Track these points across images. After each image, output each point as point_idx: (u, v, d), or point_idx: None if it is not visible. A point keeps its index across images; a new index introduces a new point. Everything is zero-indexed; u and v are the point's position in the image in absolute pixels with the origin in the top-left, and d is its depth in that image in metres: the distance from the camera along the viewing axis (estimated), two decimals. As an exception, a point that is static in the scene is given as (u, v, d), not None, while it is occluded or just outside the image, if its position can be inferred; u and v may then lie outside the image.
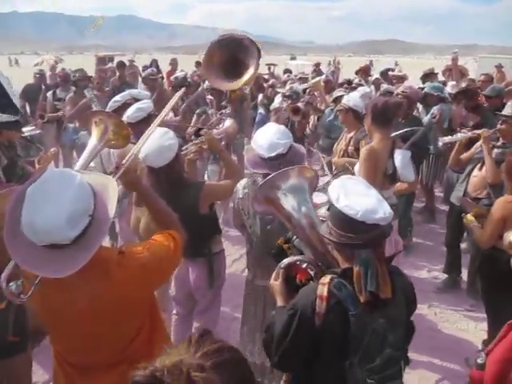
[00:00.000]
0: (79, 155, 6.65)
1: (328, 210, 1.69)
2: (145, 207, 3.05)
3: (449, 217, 4.52)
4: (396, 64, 15.90)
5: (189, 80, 6.84)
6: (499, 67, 9.94)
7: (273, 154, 2.46)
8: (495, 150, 3.88)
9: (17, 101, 3.89)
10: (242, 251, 4.44)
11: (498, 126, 3.89)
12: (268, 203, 2.00)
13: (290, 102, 5.93)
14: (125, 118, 3.46)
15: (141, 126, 3.08)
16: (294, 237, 1.99)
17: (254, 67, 4.30)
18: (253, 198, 2.05)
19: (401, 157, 3.20)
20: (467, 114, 5.04)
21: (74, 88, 6.83)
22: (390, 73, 8.56)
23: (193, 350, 1.00)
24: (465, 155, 4.17)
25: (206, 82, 5.76)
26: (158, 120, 2.16)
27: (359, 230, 1.55)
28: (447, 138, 4.15)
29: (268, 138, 2.50)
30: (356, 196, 1.59)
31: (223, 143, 3.35)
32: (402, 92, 5.19)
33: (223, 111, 5.17)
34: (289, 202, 1.91)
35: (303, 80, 9.04)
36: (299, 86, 6.81)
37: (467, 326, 3.93)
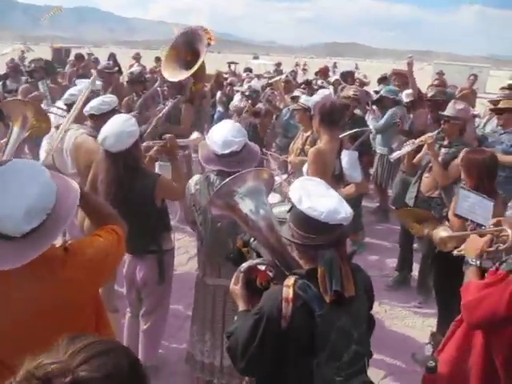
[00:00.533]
0: (30, 148, 6.44)
1: (289, 211, 1.69)
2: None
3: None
4: (356, 67, 16.23)
5: (146, 76, 6.72)
6: (440, 74, 10.41)
7: (226, 151, 2.46)
8: (442, 150, 4.03)
9: None
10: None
11: (442, 127, 4.06)
12: (225, 208, 1.98)
13: (250, 101, 5.96)
14: (88, 108, 3.40)
15: (104, 118, 3.06)
16: (252, 239, 1.98)
17: (203, 55, 4.33)
18: (209, 202, 2.03)
19: (348, 157, 3.24)
20: (432, 123, 5.17)
21: (24, 78, 6.61)
22: (356, 75, 8.73)
23: (62, 351, 0.93)
24: (416, 159, 4.33)
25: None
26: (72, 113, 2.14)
27: (322, 231, 1.56)
28: (396, 154, 4.29)
29: (223, 135, 2.50)
30: (318, 197, 1.60)
31: (186, 152, 3.37)
32: (353, 94, 5.43)
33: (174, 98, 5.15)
34: (247, 206, 1.91)
35: (260, 77, 9.13)
36: (257, 84, 6.84)
37: (415, 322, 4.05)
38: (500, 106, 4.87)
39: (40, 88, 6.08)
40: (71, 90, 3.80)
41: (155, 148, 3.03)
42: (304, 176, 2.26)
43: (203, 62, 4.96)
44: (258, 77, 9.92)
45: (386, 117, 5.67)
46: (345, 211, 1.58)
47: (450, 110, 4.02)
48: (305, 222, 1.58)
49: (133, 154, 2.68)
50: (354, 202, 4.27)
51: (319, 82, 8.05)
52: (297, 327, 1.57)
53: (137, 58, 11.37)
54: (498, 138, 4.62)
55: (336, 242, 1.59)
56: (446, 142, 4.05)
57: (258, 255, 1.92)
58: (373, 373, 3.34)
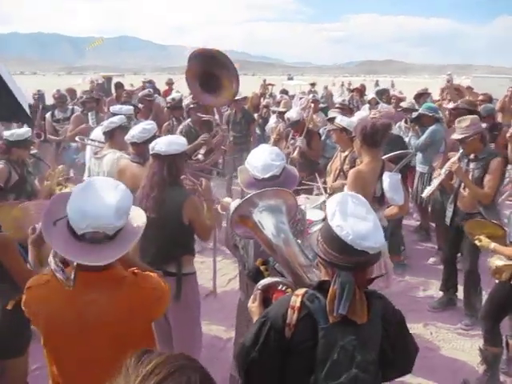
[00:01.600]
0: (76, 174, 6.74)
1: (323, 221, 1.69)
2: None
3: (446, 234, 4.51)
4: (392, 85, 16.11)
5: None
6: (470, 88, 10.09)
7: (266, 176, 2.48)
8: (471, 166, 3.97)
9: (27, 108, 3.98)
10: (237, 271, 4.44)
11: (461, 149, 4.02)
12: (244, 223, 2.01)
13: (292, 131, 5.82)
14: (129, 136, 3.54)
15: (145, 145, 3.25)
16: (274, 261, 1.99)
17: (235, 80, 4.44)
18: (230, 220, 2.08)
19: (389, 179, 3.18)
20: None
21: (70, 108, 6.94)
22: (392, 92, 8.67)
23: (133, 376, 0.95)
24: (451, 184, 4.21)
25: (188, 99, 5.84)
26: None
27: (346, 252, 1.52)
28: (427, 190, 4.25)
29: (262, 159, 2.52)
30: (352, 218, 1.55)
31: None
32: (373, 116, 5.14)
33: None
34: (265, 223, 1.93)
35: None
36: (294, 113, 6.19)
37: (463, 345, 3.90)
38: None
39: (89, 120, 6.36)
40: (112, 119, 3.99)
41: (189, 183, 3.14)
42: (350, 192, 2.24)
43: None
44: (293, 97, 10.02)
45: (425, 135, 5.55)
46: (374, 240, 1.52)
47: (458, 131, 3.97)
48: (331, 238, 1.55)
49: (178, 163, 2.89)
50: (394, 222, 4.22)
51: (354, 101, 8.05)
52: (300, 337, 1.54)
53: (169, 83, 11.69)
54: None
55: (357, 267, 1.54)
56: (471, 156, 3.99)
57: (282, 275, 1.92)
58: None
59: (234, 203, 2.72)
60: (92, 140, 4.61)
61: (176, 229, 2.84)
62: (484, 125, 4.36)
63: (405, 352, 1.71)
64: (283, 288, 1.82)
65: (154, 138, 3.51)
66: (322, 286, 1.57)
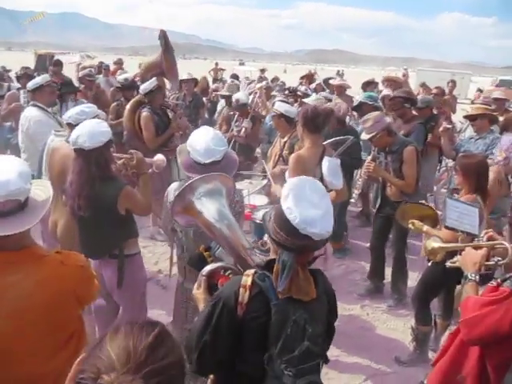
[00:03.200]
0: (13, 155, 6.37)
1: (267, 205, 1.71)
2: (61, 210, 2.96)
3: (374, 223, 4.63)
4: (339, 73, 16.34)
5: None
6: (424, 85, 10.46)
7: (208, 161, 2.45)
8: (389, 158, 4.11)
9: None
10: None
11: (372, 146, 4.19)
12: (186, 212, 2.00)
13: (237, 114, 6.01)
14: (66, 117, 3.41)
15: None
16: (216, 246, 1.99)
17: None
18: (171, 211, 2.06)
19: (328, 164, 3.21)
20: (400, 124, 5.26)
21: (6, 85, 6.57)
22: (331, 81, 8.79)
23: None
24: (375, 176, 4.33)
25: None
26: None
27: (292, 235, 1.55)
28: (356, 193, 4.49)
29: (205, 143, 2.47)
30: (304, 202, 1.57)
31: (150, 170, 3.35)
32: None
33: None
34: (207, 208, 1.92)
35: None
36: (243, 95, 6.51)
37: (396, 324, 4.09)
38: (472, 112, 4.96)
39: (21, 98, 6.03)
40: (79, 110, 3.43)
41: (121, 161, 3.00)
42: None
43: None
44: (237, 78, 10.02)
45: None
46: (321, 227, 1.55)
47: (366, 131, 4.13)
48: (280, 219, 1.59)
49: (105, 154, 2.71)
50: (339, 209, 4.31)
51: (303, 88, 8.09)
52: (253, 314, 1.57)
53: (118, 63, 11.30)
54: (474, 143, 4.69)
55: (299, 250, 1.58)
56: (387, 149, 4.12)
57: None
58: (356, 375, 3.41)
59: (171, 187, 2.67)
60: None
61: (113, 221, 2.77)
62: (388, 119, 4.49)
63: (336, 318, 1.83)
64: (227, 273, 1.83)
65: None
66: (269, 264, 1.62)
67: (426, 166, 5.54)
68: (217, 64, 13.68)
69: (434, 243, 2.99)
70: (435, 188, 6.57)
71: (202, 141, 2.49)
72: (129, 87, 6.13)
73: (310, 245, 1.58)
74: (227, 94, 6.72)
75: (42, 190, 1.74)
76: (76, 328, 1.75)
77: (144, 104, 5.09)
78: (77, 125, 3.26)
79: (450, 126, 4.83)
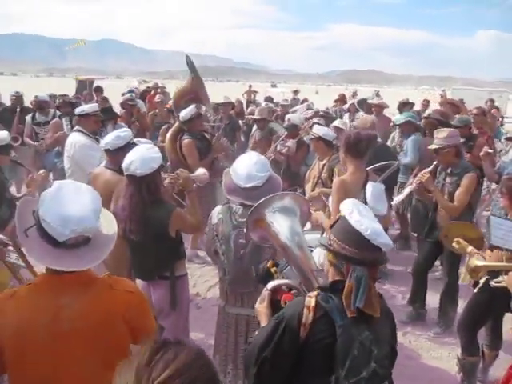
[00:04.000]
0: (56, 178, 6.62)
1: (333, 225, 1.74)
2: None
3: (421, 246, 4.53)
4: (377, 94, 16.22)
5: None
6: (461, 102, 10.32)
7: (249, 185, 2.49)
8: (448, 180, 4.01)
9: None
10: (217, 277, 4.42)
11: (436, 160, 4.05)
12: (259, 226, 2.04)
13: (287, 133, 5.87)
14: (103, 144, 3.51)
15: (118, 153, 3.25)
16: (285, 265, 2.01)
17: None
18: (246, 224, 2.11)
19: (372, 189, 3.18)
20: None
21: (52, 111, 6.83)
22: (369, 101, 8.74)
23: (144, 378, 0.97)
24: (426, 195, 4.18)
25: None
26: None
27: (363, 247, 1.60)
28: (397, 198, 4.23)
29: (247, 168, 2.52)
30: (366, 217, 1.66)
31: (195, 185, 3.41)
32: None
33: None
34: (280, 224, 1.97)
35: (285, 108, 9.22)
36: (297, 117, 6.50)
37: (441, 353, 3.93)
38: None
39: (64, 127, 6.24)
40: (114, 136, 3.49)
41: (167, 180, 3.07)
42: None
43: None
44: (276, 104, 10.04)
45: (411, 148, 5.60)
46: (386, 238, 1.63)
47: (436, 142, 4.02)
48: (349, 234, 1.62)
49: (155, 180, 2.78)
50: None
51: (337, 109, 8.10)
52: (317, 336, 1.57)
53: (155, 87, 11.59)
54: None
55: (371, 262, 1.62)
56: (448, 171, 4.03)
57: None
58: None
59: (215, 210, 2.70)
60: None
61: (164, 244, 2.82)
62: (461, 140, 4.42)
63: (396, 344, 1.83)
64: (292, 291, 1.85)
65: (128, 144, 3.42)
66: (334, 287, 1.64)
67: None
68: (250, 86, 13.85)
69: (478, 261, 2.90)
70: (478, 211, 6.37)
71: (245, 165, 2.54)
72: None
73: (380, 257, 1.63)
74: (258, 117, 6.63)
75: (107, 223, 1.75)
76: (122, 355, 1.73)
77: (183, 131, 5.17)
78: (114, 150, 3.37)
79: (491, 151, 4.70)
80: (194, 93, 5.41)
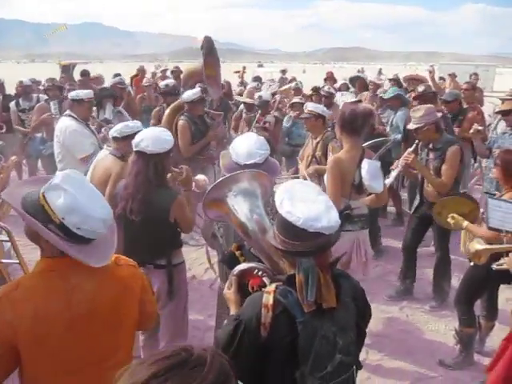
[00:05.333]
0: (44, 165, 6.54)
1: (272, 212, 1.65)
2: None
3: (409, 223, 4.51)
4: (361, 71, 16.12)
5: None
6: (453, 76, 10.33)
7: (249, 162, 2.47)
8: (431, 155, 4.01)
9: None
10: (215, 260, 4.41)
11: (416, 139, 4.04)
12: (218, 207, 1.99)
13: (260, 112, 6.04)
14: (112, 132, 3.49)
15: (125, 141, 3.27)
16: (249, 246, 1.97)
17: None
18: (202, 205, 2.05)
19: (367, 167, 3.13)
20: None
21: (35, 97, 6.72)
22: (369, 79, 8.65)
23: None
24: (413, 173, 4.20)
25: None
26: None
27: (301, 238, 1.49)
28: (387, 181, 4.01)
29: (247, 146, 2.53)
30: (301, 202, 1.52)
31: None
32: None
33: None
34: (240, 207, 1.91)
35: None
36: (267, 93, 6.88)
37: (438, 326, 3.98)
38: (504, 107, 4.82)
39: (51, 109, 6.15)
40: (124, 125, 3.50)
41: (169, 174, 3.01)
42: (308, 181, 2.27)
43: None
44: (260, 80, 10.00)
45: (401, 123, 5.57)
46: (328, 220, 1.49)
47: (413, 121, 4.01)
48: (285, 227, 1.53)
49: (164, 162, 2.73)
50: (371, 210, 4.23)
51: (326, 87, 8.00)
52: (278, 335, 1.50)
53: (141, 70, 11.34)
54: (508, 138, 4.53)
55: (315, 251, 1.51)
56: (430, 146, 4.02)
57: (259, 260, 1.88)
58: (401, 379, 3.33)
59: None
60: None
61: (163, 228, 2.78)
62: (439, 114, 4.39)
63: (369, 318, 1.78)
64: (259, 273, 1.77)
65: (135, 134, 3.37)
66: (290, 280, 1.54)
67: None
68: (244, 68, 13.56)
69: (478, 245, 2.89)
70: (469, 185, 6.42)
71: (245, 144, 2.55)
72: (170, 93, 6.14)
73: (324, 242, 1.51)
74: (251, 101, 6.56)
75: None
76: (133, 327, 1.73)
77: (182, 111, 5.11)
78: (122, 138, 3.34)
79: (481, 128, 4.69)
80: (202, 76, 5.29)
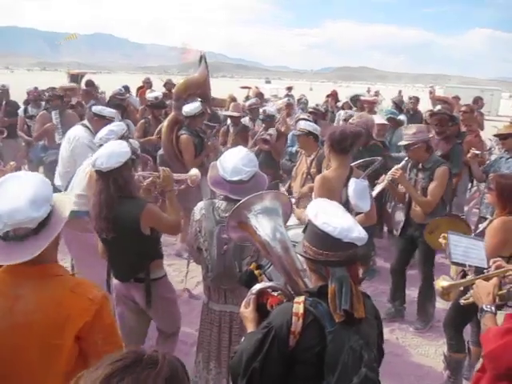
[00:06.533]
0: (46, 173, 6.59)
1: (305, 229, 1.71)
2: None
3: (396, 245, 4.48)
4: (368, 91, 16.21)
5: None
6: (456, 98, 10.39)
7: (234, 179, 2.47)
8: (420, 175, 4.01)
9: None
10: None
11: (407, 156, 4.06)
12: (241, 228, 2.00)
13: (264, 125, 6.09)
14: (97, 139, 3.52)
15: None
16: (268, 265, 1.98)
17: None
18: (227, 225, 2.07)
19: (354, 186, 3.13)
20: (438, 142, 5.16)
21: (44, 104, 6.81)
22: (362, 97, 8.72)
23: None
24: (399, 192, 4.21)
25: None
26: None
27: (335, 248, 1.57)
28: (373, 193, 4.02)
29: (234, 161, 2.50)
30: (333, 216, 1.62)
31: (182, 187, 3.37)
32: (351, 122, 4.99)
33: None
34: (262, 227, 1.92)
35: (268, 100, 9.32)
36: (273, 108, 6.96)
37: (428, 350, 3.93)
38: (502, 131, 4.83)
39: (53, 119, 6.21)
40: (108, 130, 3.61)
41: (149, 179, 3.03)
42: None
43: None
44: (266, 100, 10.06)
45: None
46: (359, 231, 1.59)
47: (405, 138, 4.02)
48: (319, 238, 1.60)
49: (123, 174, 2.69)
50: (365, 229, 4.19)
51: (320, 106, 8.06)
52: (307, 344, 1.53)
53: (147, 82, 11.40)
54: (505, 162, 4.53)
55: (348, 261, 1.59)
56: (420, 166, 4.03)
57: (271, 281, 1.92)
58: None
59: (198, 206, 2.66)
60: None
61: (138, 242, 2.74)
62: (431, 134, 4.41)
63: (381, 340, 1.81)
64: (277, 293, 1.81)
65: (122, 139, 3.45)
66: (321, 291, 1.59)
67: (458, 186, 5.41)
68: (257, 88, 13.56)
69: (443, 282, 2.85)
70: (466, 208, 6.39)
71: (232, 159, 2.52)
72: (158, 106, 6.23)
73: (355, 253, 1.60)
74: (236, 114, 6.55)
75: (62, 210, 1.70)
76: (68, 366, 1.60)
77: (178, 124, 5.14)
78: None
79: (478, 152, 4.70)
80: (201, 89, 5.30)
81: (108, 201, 2.66)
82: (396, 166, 4.01)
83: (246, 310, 1.80)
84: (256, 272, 1.96)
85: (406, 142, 3.99)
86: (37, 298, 1.55)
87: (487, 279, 2.22)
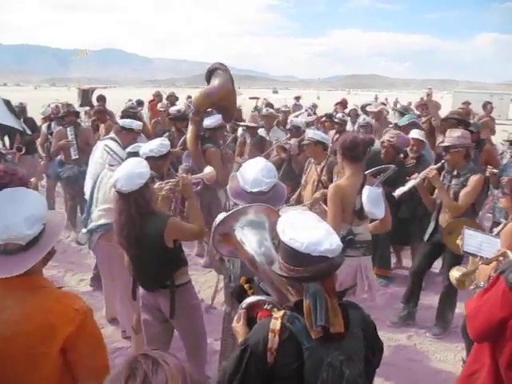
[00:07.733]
0: (63, 187, 6.67)
1: (278, 245, 1.68)
2: None
3: (421, 249, 4.46)
4: (376, 98, 16.26)
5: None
6: (467, 104, 10.37)
7: (254, 190, 2.50)
8: (453, 182, 4.01)
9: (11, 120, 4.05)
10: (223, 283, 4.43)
11: (444, 158, 4.06)
12: (227, 241, 2.01)
13: (290, 135, 6.11)
14: (147, 151, 3.57)
15: (160, 160, 3.60)
16: (259, 279, 1.98)
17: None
18: (212, 240, 2.07)
19: (368, 193, 3.16)
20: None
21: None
22: (367, 108, 8.78)
23: None
24: (431, 198, 4.22)
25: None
26: None
27: (306, 263, 1.52)
28: (399, 190, 4.05)
29: (254, 173, 2.54)
30: (302, 229, 1.56)
31: (199, 187, 3.46)
32: (388, 141, 4.89)
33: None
34: (248, 239, 1.93)
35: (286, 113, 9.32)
36: (301, 120, 6.91)
37: (446, 356, 3.92)
38: None
39: (68, 135, 6.33)
40: (159, 143, 3.71)
41: (167, 187, 3.06)
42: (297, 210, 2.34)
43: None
44: (277, 110, 10.09)
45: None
46: (330, 243, 1.53)
47: (448, 140, 4.02)
48: (288, 254, 1.56)
49: (144, 194, 2.71)
50: (383, 235, 4.21)
51: (339, 114, 8.10)
52: (284, 360, 1.50)
53: (157, 95, 11.50)
54: None
55: (321, 274, 1.53)
56: (455, 173, 4.02)
57: (267, 294, 1.90)
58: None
59: (219, 217, 2.71)
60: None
61: (162, 255, 2.77)
62: (473, 144, 4.41)
63: (379, 352, 1.76)
64: (268, 307, 1.78)
65: (169, 153, 3.70)
66: (298, 306, 1.55)
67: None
68: (265, 99, 13.70)
69: (456, 272, 2.90)
70: (480, 213, 6.37)
71: (252, 170, 2.56)
72: (181, 118, 6.30)
73: (328, 266, 1.54)
74: (253, 125, 6.59)
75: (55, 229, 1.74)
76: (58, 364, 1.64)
77: (200, 136, 5.15)
78: (159, 157, 3.56)
79: (496, 171, 4.67)
80: (226, 100, 5.09)
81: (129, 220, 2.69)
82: (432, 166, 4.01)
83: (237, 325, 1.80)
84: (246, 286, 1.96)
85: (448, 144, 3.98)
86: (22, 308, 1.59)
87: (489, 264, 2.42)
